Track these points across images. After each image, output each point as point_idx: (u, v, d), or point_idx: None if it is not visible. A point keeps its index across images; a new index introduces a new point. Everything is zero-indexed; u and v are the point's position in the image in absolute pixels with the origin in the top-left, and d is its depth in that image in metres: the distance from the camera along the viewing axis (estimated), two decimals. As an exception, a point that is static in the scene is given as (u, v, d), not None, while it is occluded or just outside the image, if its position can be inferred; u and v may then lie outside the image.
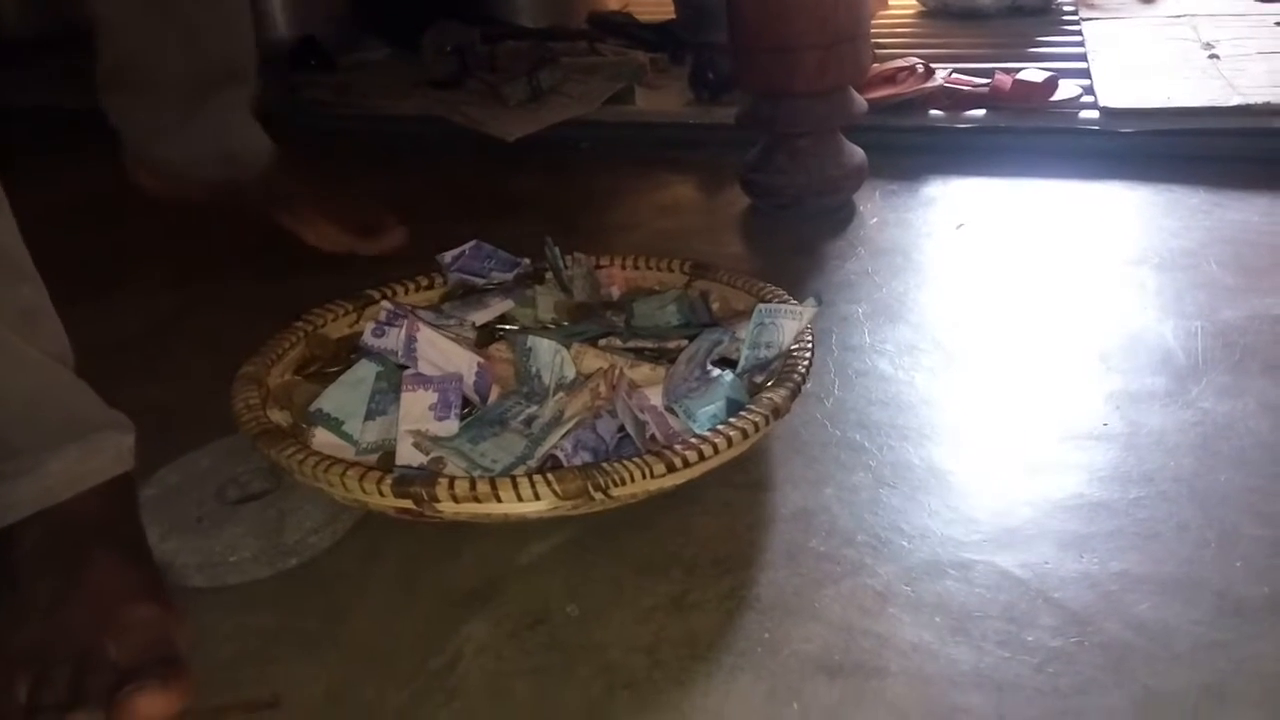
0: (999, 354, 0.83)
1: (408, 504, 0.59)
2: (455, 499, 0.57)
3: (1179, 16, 1.62)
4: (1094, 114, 1.26)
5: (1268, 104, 1.20)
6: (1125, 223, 1.06)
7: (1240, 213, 1.05)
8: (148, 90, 1.01)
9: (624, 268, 0.87)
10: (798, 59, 1.06)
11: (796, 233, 1.09)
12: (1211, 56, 1.40)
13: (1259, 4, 1.64)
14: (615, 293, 0.86)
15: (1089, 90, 1.31)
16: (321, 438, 0.68)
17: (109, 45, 1.01)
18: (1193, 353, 0.80)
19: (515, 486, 0.57)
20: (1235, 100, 1.22)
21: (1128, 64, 1.39)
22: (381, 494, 0.58)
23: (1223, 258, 0.95)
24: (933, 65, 1.36)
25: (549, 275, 0.85)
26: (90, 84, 1.04)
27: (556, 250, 0.85)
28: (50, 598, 0.55)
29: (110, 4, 0.99)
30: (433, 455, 0.64)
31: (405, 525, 0.65)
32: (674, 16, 1.75)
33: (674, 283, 0.85)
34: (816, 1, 1.04)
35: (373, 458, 0.67)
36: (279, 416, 0.69)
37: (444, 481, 0.58)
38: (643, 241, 1.11)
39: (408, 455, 0.65)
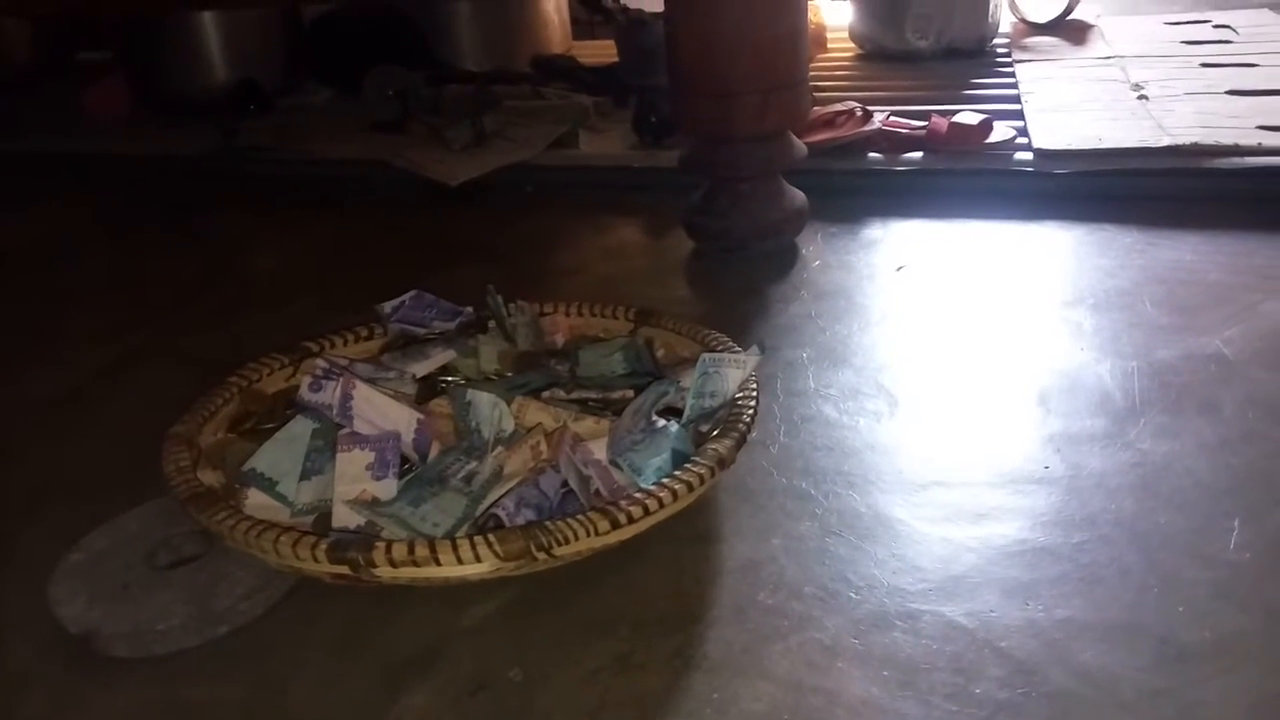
0: (941, 397, 0.84)
1: (344, 569, 0.57)
2: (393, 563, 0.56)
3: (1109, 58, 1.66)
4: (1028, 155, 1.28)
5: (1195, 144, 1.23)
6: (1061, 263, 1.08)
7: (1173, 251, 1.07)
8: None
9: (569, 315, 0.87)
10: (737, 104, 1.06)
11: (740, 276, 1.10)
12: (1141, 97, 1.43)
13: (1186, 45, 1.69)
14: (560, 340, 0.86)
15: (1023, 132, 1.33)
16: (255, 499, 0.66)
17: None
18: (1130, 393, 0.81)
19: (455, 549, 0.56)
20: (1165, 141, 1.25)
21: (1060, 105, 1.42)
22: (316, 560, 0.57)
23: (1157, 297, 0.97)
24: (871, 108, 1.38)
25: (492, 324, 0.84)
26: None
27: (499, 299, 0.85)
28: None
29: None
30: (369, 520, 0.63)
31: (342, 589, 0.63)
32: (617, 60, 1.76)
33: (619, 330, 0.85)
34: (754, 47, 1.05)
35: (308, 520, 0.65)
36: (211, 477, 0.67)
37: (381, 545, 0.56)
38: (588, 286, 1.11)
39: (344, 517, 0.64)
